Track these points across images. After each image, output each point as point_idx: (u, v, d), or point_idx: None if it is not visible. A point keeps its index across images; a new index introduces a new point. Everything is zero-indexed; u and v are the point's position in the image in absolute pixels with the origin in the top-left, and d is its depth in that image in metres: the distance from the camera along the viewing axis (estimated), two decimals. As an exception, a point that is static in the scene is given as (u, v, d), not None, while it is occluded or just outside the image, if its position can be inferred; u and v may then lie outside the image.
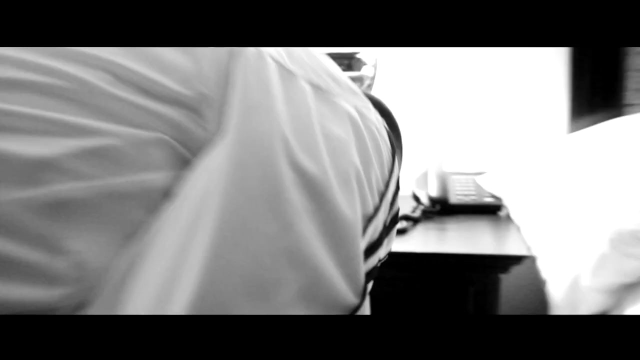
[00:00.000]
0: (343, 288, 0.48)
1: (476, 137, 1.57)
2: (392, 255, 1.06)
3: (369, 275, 0.54)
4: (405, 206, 1.37)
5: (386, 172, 0.60)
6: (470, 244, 1.14)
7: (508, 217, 1.33)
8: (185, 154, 0.46)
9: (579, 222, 1.10)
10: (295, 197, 0.45)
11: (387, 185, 0.60)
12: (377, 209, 0.56)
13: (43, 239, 0.40)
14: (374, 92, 1.40)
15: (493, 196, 1.36)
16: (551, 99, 1.51)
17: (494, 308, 1.12)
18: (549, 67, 1.50)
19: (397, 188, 0.65)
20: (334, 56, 1.36)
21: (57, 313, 0.40)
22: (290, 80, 0.51)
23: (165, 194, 0.45)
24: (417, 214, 1.31)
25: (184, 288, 0.40)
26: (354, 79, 1.33)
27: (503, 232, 1.23)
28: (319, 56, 0.58)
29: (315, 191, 0.47)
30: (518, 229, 1.24)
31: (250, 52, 0.50)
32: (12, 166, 0.40)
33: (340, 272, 0.48)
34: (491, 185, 1.36)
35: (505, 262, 1.08)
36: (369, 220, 0.54)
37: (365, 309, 0.52)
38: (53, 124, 0.42)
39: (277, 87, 0.49)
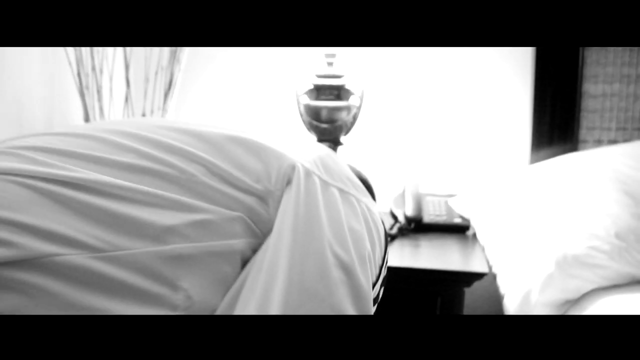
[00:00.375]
0: None
1: (450, 163, 1.74)
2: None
3: None
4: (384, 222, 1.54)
5: (383, 250, 0.83)
6: (440, 260, 1.32)
7: (474, 237, 1.50)
8: (255, 229, 0.69)
9: (532, 245, 1.27)
10: (335, 274, 0.68)
11: (383, 259, 0.83)
12: (378, 277, 0.79)
13: (167, 279, 0.62)
14: (360, 120, 1.57)
15: (462, 217, 1.54)
16: (516, 133, 1.70)
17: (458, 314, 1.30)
18: (515, 105, 1.69)
19: (387, 259, 0.87)
20: (325, 87, 1.53)
21: None
22: (326, 189, 0.73)
23: (242, 256, 0.68)
24: (394, 231, 1.49)
25: None
26: (342, 108, 1.51)
27: (469, 250, 1.41)
28: (341, 164, 0.81)
29: (347, 270, 0.69)
30: (482, 248, 1.42)
31: (302, 169, 0.72)
32: (148, 229, 0.63)
33: None
34: (461, 207, 1.53)
35: (469, 277, 1.26)
36: (373, 285, 0.77)
37: None
38: (171, 202, 0.65)
39: (320, 196, 0.71)
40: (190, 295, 0.62)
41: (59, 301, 0.57)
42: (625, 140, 1.58)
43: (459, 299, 1.29)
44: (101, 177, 0.65)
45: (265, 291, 0.64)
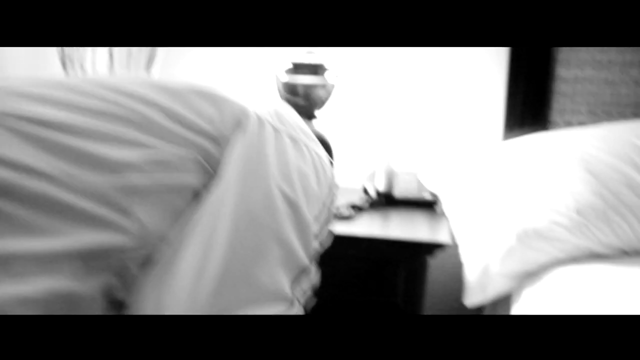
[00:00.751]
0: (303, 257, 0.79)
1: (424, 142, 1.77)
2: (339, 237, 1.29)
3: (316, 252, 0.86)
4: (356, 197, 1.58)
5: (329, 191, 0.90)
6: (404, 231, 1.35)
7: (443, 212, 1.54)
8: (207, 167, 0.77)
9: (494, 218, 1.31)
10: (281, 206, 0.76)
11: (328, 198, 0.90)
12: (321, 212, 0.87)
13: (121, 207, 0.69)
14: (338, 99, 1.60)
15: (431, 193, 1.57)
16: (490, 114, 1.73)
17: (420, 286, 1.33)
18: (490, 87, 1.72)
19: (333, 200, 0.95)
20: (303, 65, 1.56)
21: (126, 253, 0.68)
22: (277, 134, 0.81)
23: (193, 191, 0.75)
24: (364, 204, 1.52)
25: (215, 259, 0.69)
26: (317, 85, 1.54)
27: (436, 223, 1.44)
28: (295, 116, 0.90)
29: (292, 205, 0.77)
30: (448, 221, 1.45)
31: (254, 116, 0.80)
32: (104, 162, 0.69)
33: (302, 248, 0.79)
34: (429, 182, 1.57)
35: (431, 247, 1.30)
36: (316, 218, 0.85)
37: (313, 269, 0.85)
38: (128, 139, 0.72)
39: (270, 140, 0.79)
40: (142, 222, 0.70)
41: (20, 224, 0.63)
42: (595, 124, 1.61)
43: (421, 269, 1.32)
44: (63, 115, 0.71)
45: (215, 219, 0.72)
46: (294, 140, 0.84)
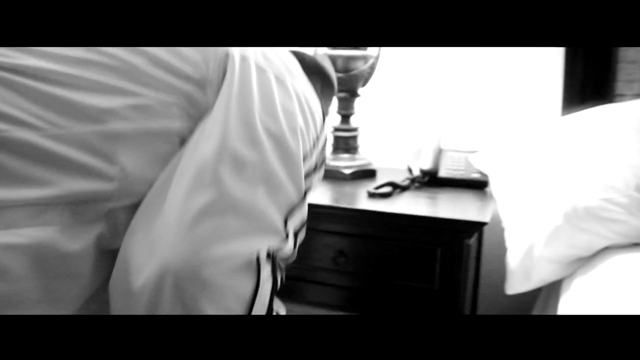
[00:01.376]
0: (292, 193, 0.79)
1: (477, 120, 1.67)
2: (374, 215, 1.22)
3: (306, 191, 0.85)
4: (399, 177, 1.50)
5: (317, 131, 0.89)
6: (446, 212, 1.26)
7: (492, 193, 1.43)
8: (192, 113, 0.76)
9: (542, 197, 1.19)
10: (266, 142, 0.76)
11: (317, 139, 0.88)
12: (311, 152, 0.86)
13: (105, 155, 0.69)
14: (379, 73, 1.52)
15: (481, 173, 1.46)
16: (546, 89, 1.59)
17: (460, 272, 1.23)
18: (546, 57, 1.58)
19: (325, 141, 0.94)
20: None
21: (110, 199, 0.70)
22: (262, 74, 0.80)
23: (179, 137, 0.76)
24: (406, 182, 1.44)
25: (201, 193, 0.70)
26: (358, 57, 1.47)
27: (483, 205, 1.34)
28: (282, 56, 0.88)
29: (275, 139, 0.77)
30: (496, 203, 1.34)
31: (238, 56, 0.79)
32: (88, 111, 0.70)
33: (291, 184, 0.78)
34: (480, 163, 1.46)
35: (467, 226, 1.20)
36: (305, 158, 0.83)
37: (304, 207, 0.84)
38: (112, 88, 0.72)
39: (253, 77, 0.78)
40: (126, 169, 0.70)
41: (9, 173, 0.65)
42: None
43: (459, 251, 1.22)
44: (47, 65, 0.71)
45: (201, 157, 0.72)
46: (279, 80, 0.82)
